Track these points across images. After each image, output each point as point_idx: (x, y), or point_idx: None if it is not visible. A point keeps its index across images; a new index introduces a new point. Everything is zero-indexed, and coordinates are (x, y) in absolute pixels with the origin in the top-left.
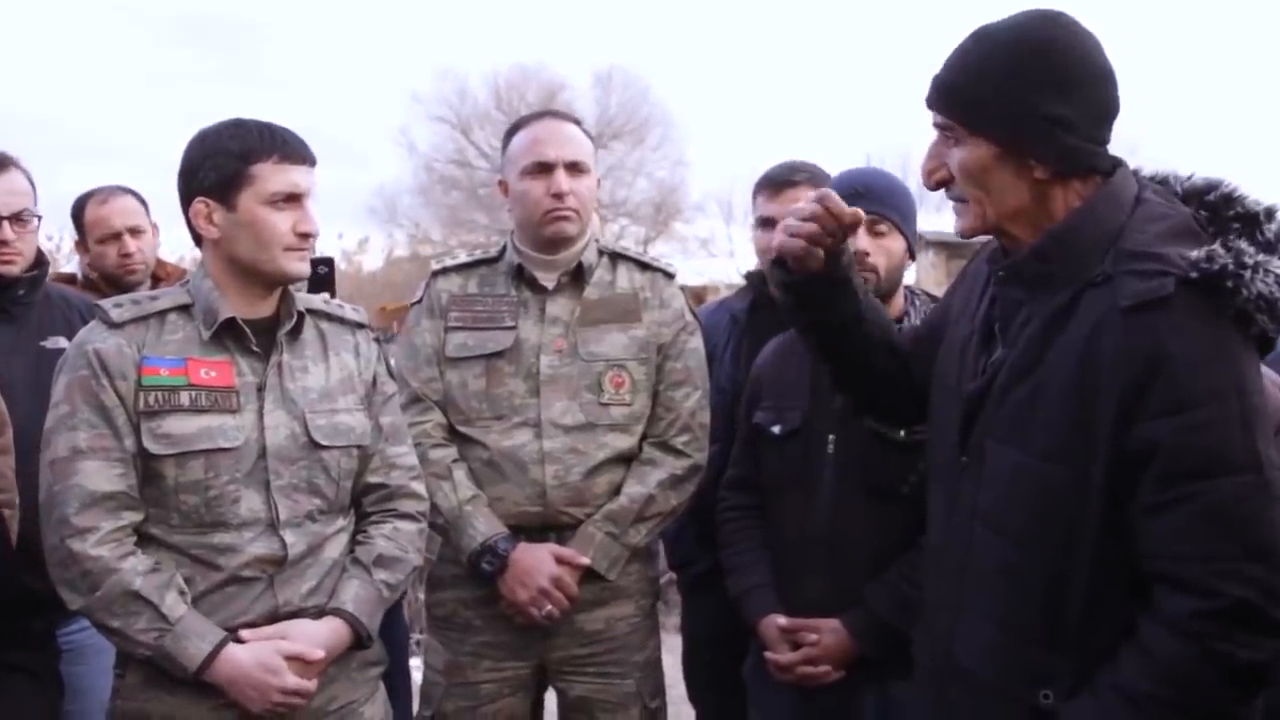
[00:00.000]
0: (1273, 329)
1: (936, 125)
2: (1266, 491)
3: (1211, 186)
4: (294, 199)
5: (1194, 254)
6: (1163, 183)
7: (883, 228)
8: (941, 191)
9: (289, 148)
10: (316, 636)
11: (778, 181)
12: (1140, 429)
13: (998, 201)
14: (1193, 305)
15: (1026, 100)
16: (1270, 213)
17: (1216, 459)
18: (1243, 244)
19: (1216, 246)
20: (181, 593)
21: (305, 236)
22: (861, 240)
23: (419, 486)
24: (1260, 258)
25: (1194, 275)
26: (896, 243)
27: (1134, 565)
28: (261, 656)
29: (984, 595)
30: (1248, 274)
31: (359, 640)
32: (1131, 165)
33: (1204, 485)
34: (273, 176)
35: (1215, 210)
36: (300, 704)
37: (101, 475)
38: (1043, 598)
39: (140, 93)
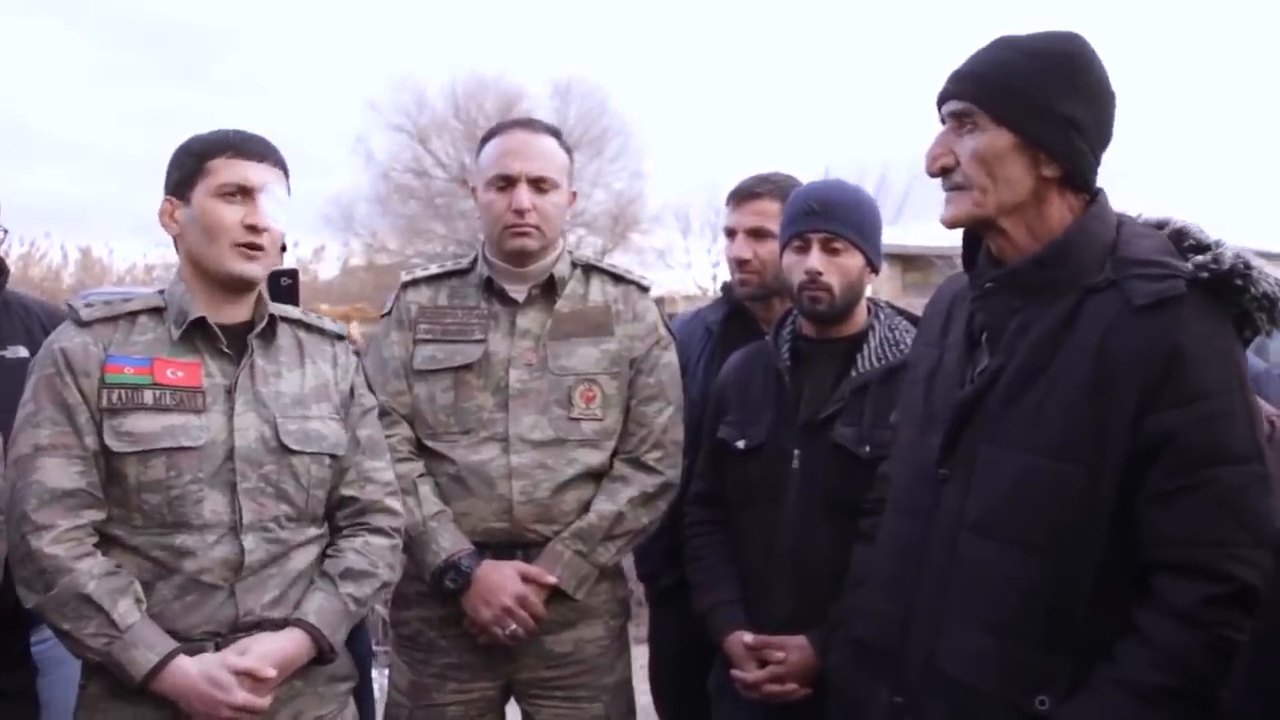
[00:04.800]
0: (1267, 329)
1: (954, 113)
2: (1265, 482)
3: (1163, 224)
4: (246, 193)
5: (1199, 258)
6: None
7: (838, 245)
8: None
9: (245, 145)
10: (274, 650)
11: (742, 193)
12: (1153, 420)
13: (1002, 191)
14: (1202, 304)
15: (1050, 98)
16: (1219, 245)
17: (1226, 448)
18: (1243, 249)
19: (1221, 250)
20: (138, 600)
21: (254, 230)
22: (815, 259)
23: (394, 502)
24: (1257, 262)
25: (1204, 275)
26: (853, 260)
27: (1135, 562)
28: (209, 671)
29: (975, 603)
30: (1255, 273)
31: (321, 653)
32: None
33: (1214, 473)
34: (224, 170)
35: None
36: None
37: (61, 472)
38: (1046, 600)
39: (89, 94)
